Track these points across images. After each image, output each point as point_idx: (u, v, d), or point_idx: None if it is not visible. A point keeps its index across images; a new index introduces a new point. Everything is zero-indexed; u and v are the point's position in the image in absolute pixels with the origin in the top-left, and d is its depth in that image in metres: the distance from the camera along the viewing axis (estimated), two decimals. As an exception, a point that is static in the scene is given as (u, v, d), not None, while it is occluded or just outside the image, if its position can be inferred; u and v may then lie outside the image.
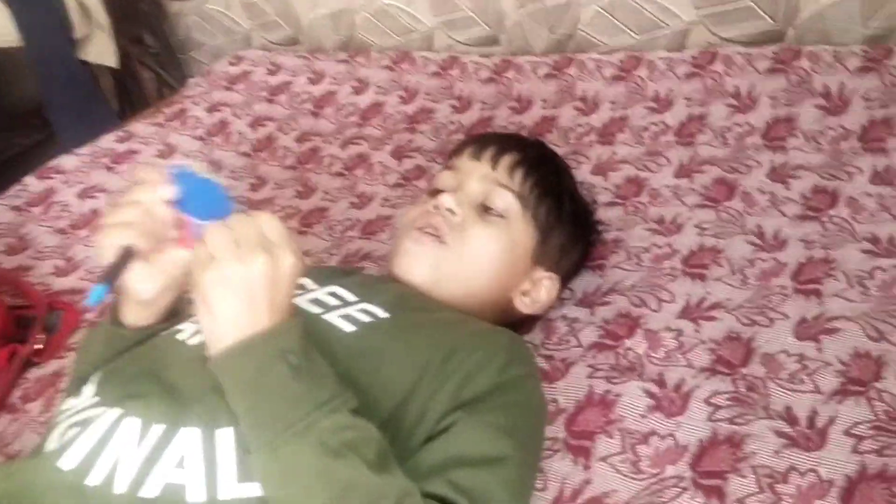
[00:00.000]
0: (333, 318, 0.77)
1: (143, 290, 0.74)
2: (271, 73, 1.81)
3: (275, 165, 1.50)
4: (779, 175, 1.15)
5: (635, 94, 1.40)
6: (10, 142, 1.91)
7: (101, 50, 1.86)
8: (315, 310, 0.78)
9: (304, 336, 0.66)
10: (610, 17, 1.58)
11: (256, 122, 1.64)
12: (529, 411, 0.75)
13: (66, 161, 1.58)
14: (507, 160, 0.93)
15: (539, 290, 0.94)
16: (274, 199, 1.39)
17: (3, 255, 1.32)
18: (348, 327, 0.76)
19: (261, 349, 0.63)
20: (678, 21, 1.52)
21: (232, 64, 1.88)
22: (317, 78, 1.74)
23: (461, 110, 1.53)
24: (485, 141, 0.97)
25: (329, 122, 1.60)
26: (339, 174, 1.43)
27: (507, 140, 0.99)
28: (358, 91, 1.67)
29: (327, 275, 0.87)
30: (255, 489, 0.63)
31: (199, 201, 0.70)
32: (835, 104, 1.23)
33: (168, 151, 1.58)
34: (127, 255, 0.69)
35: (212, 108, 1.71)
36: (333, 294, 0.81)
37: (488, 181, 0.92)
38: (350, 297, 0.81)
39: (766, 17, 1.43)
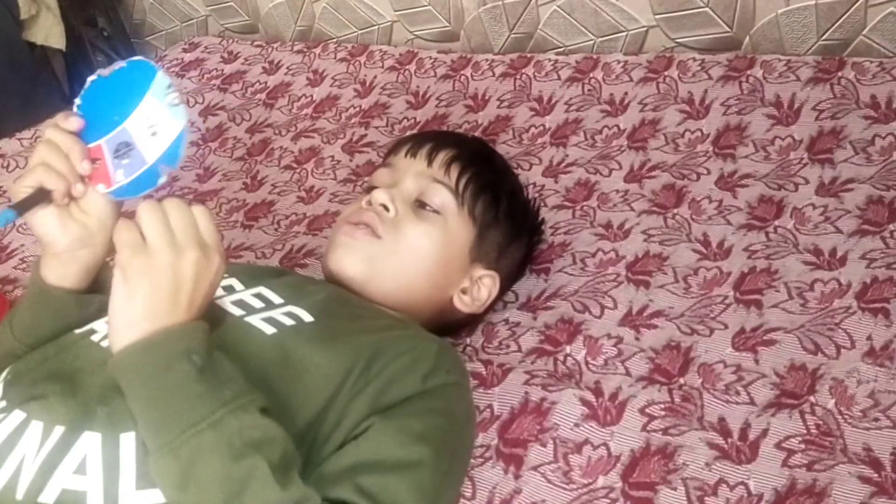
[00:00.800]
0: (255, 320, 0.74)
1: (55, 238, 0.71)
2: (226, 61, 1.77)
3: (224, 156, 1.47)
4: (727, 183, 1.15)
5: (590, 96, 1.39)
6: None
7: (47, 31, 1.81)
8: (237, 312, 0.76)
9: (210, 338, 0.64)
10: (569, 17, 1.57)
11: (207, 111, 1.61)
12: (450, 419, 0.74)
13: (7, 145, 1.53)
14: (442, 156, 0.92)
15: (479, 289, 0.93)
16: (220, 191, 1.36)
17: (-66, 241, 1.27)
18: (269, 330, 0.73)
19: (164, 346, 0.61)
20: (636, 24, 1.51)
21: (186, 50, 1.84)
22: (272, 68, 1.71)
23: (417, 106, 1.51)
24: (422, 138, 0.95)
25: (282, 114, 1.57)
26: (289, 167, 1.40)
27: (444, 137, 0.98)
28: (313, 83, 1.64)
29: (256, 275, 0.84)
30: (153, 497, 0.61)
31: (109, 107, 0.68)
32: (785, 114, 1.23)
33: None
34: (41, 193, 0.67)
35: (162, 95, 1.67)
36: (259, 296, 0.79)
37: (424, 177, 0.91)
38: (276, 299, 0.79)
39: (723, 23, 1.44)
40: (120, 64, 0.71)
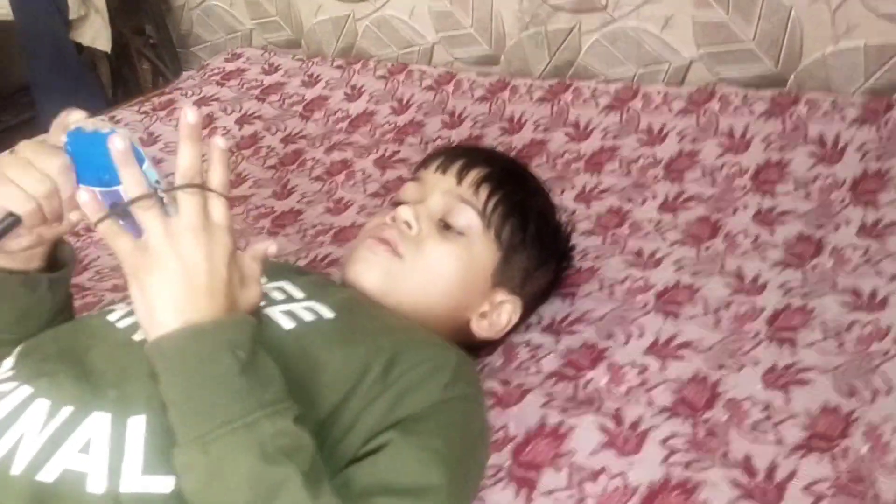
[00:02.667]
0: (274, 312, 0.73)
1: (8, 245, 0.69)
2: (266, 72, 1.78)
3: (256, 164, 1.47)
4: (765, 219, 1.11)
5: (628, 125, 1.37)
6: (-3, 118, 1.88)
7: (95, 33, 1.84)
8: None
9: (256, 336, 0.62)
10: (610, 47, 1.56)
11: (244, 120, 1.61)
12: (468, 435, 0.71)
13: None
14: (473, 175, 0.89)
15: (499, 314, 0.89)
16: (250, 198, 1.36)
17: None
18: (288, 324, 0.72)
19: (209, 337, 0.59)
20: (679, 57, 1.50)
21: (228, 60, 1.86)
22: (311, 81, 1.72)
23: (452, 126, 1.50)
24: (453, 154, 0.92)
25: (317, 126, 1.57)
26: (320, 178, 1.40)
27: (477, 154, 0.94)
28: (350, 98, 1.64)
29: (279, 270, 0.83)
30: (159, 483, 0.59)
31: (98, 164, 0.62)
32: (829, 153, 1.20)
33: (149, 140, 1.55)
34: (13, 223, 0.64)
35: (200, 102, 1.69)
36: (281, 289, 0.78)
37: (451, 196, 0.88)
38: (297, 293, 0.77)
39: (768, 61, 1.41)
40: (103, 125, 0.65)
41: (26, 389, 0.64)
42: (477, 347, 0.92)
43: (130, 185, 0.60)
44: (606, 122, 1.40)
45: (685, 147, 1.29)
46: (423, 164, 0.95)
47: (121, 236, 0.61)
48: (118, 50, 2.07)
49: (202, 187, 0.61)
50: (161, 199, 0.60)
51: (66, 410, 0.62)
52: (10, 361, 0.70)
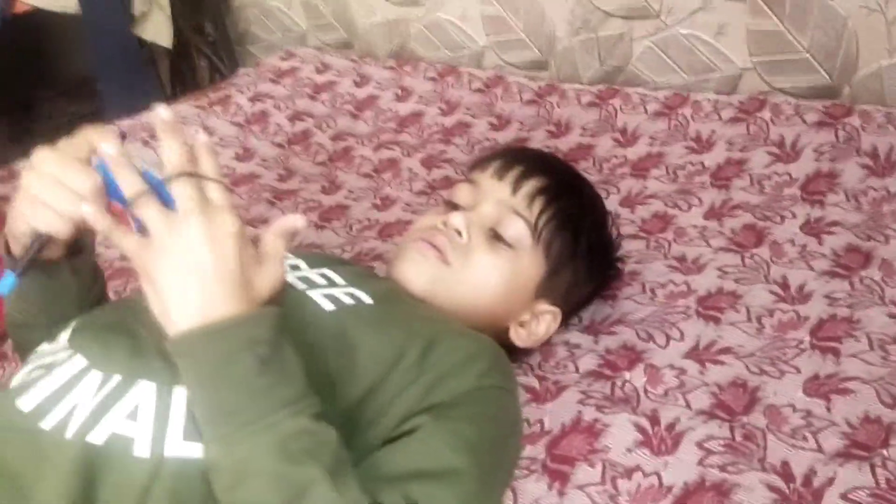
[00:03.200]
0: (316, 295, 0.75)
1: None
2: (319, 71, 1.82)
3: (306, 160, 1.50)
4: (813, 229, 1.10)
5: (676, 131, 1.37)
6: (62, 109, 1.94)
7: (157, 29, 1.89)
8: (300, 286, 0.76)
9: (278, 328, 0.61)
10: (662, 54, 1.55)
11: (295, 117, 1.65)
12: (500, 426, 0.72)
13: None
14: (529, 186, 0.88)
15: (538, 324, 0.89)
16: (299, 192, 1.38)
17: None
18: (328, 306, 0.74)
19: (227, 337, 0.58)
20: (731, 66, 1.49)
21: (283, 59, 1.90)
22: (362, 81, 1.75)
23: (499, 128, 1.51)
24: (511, 159, 0.90)
25: (366, 125, 1.60)
26: (367, 175, 1.42)
27: (535, 162, 0.92)
28: (400, 98, 1.66)
29: (322, 260, 0.85)
30: (199, 449, 0.61)
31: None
32: (881, 165, 1.18)
33: (204, 133, 1.59)
34: (42, 243, 0.64)
35: (255, 98, 1.73)
36: (323, 275, 0.79)
37: (504, 207, 0.87)
38: (339, 280, 0.79)
39: (823, 71, 1.39)
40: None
41: (81, 360, 0.67)
42: (511, 352, 0.92)
43: (124, 185, 0.60)
44: (654, 128, 1.40)
45: (734, 155, 1.28)
46: (479, 165, 0.94)
47: (127, 236, 0.60)
48: (177, 47, 2.13)
49: (193, 174, 0.60)
50: (163, 198, 0.60)
51: (116, 379, 0.65)
52: (66, 334, 0.73)
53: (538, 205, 0.87)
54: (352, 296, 0.77)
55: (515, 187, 0.88)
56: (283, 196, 1.37)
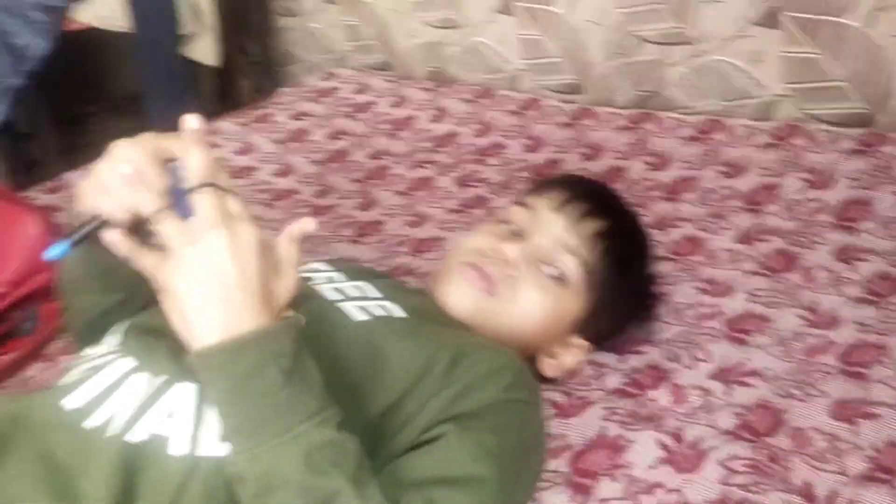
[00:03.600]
0: (348, 306, 0.77)
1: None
2: (358, 91, 1.86)
3: (343, 177, 1.53)
4: (844, 255, 1.10)
5: (709, 156, 1.38)
6: (109, 124, 2.01)
7: (204, 50, 1.95)
8: (334, 297, 0.79)
9: (298, 339, 0.61)
10: (696, 80, 1.57)
11: (334, 135, 1.69)
12: (523, 438, 0.73)
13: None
14: (589, 227, 0.87)
15: (567, 356, 0.90)
16: (335, 208, 1.42)
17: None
18: (360, 316, 0.76)
19: (251, 351, 0.59)
20: (765, 92, 1.49)
21: (324, 79, 1.95)
22: (400, 102, 1.78)
23: (533, 149, 1.53)
24: (573, 193, 0.89)
25: (403, 145, 1.63)
26: (402, 193, 1.45)
27: (597, 201, 0.90)
28: (436, 119, 1.70)
29: (359, 272, 0.88)
30: None
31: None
32: (916, 193, 1.18)
33: (246, 149, 1.64)
34: (100, 224, 0.64)
35: (295, 116, 1.77)
36: (358, 287, 0.82)
37: (560, 244, 0.86)
38: (373, 293, 0.81)
39: (857, 99, 1.40)
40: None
41: (131, 362, 0.70)
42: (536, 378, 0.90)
43: (142, 204, 0.61)
44: (687, 152, 1.41)
45: (766, 180, 1.29)
46: (539, 191, 0.92)
47: (144, 254, 0.61)
48: (222, 66, 2.19)
49: (215, 185, 0.61)
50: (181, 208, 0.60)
51: (159, 380, 0.68)
52: (113, 338, 0.76)
53: (594, 247, 0.86)
54: (384, 308, 0.79)
55: (575, 225, 0.87)
56: (320, 212, 1.40)
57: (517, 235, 0.88)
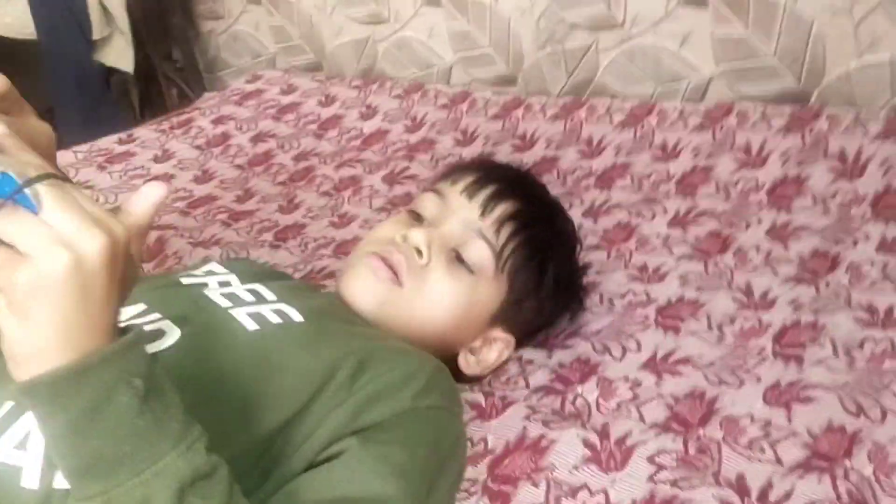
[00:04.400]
0: (240, 314, 0.70)
1: None
2: (284, 93, 1.79)
3: (266, 180, 1.46)
4: (779, 234, 1.06)
5: (642, 141, 1.33)
6: (25, 139, 1.91)
7: (118, 54, 1.87)
8: (224, 303, 0.71)
9: (146, 353, 0.49)
10: (629, 65, 1.53)
11: (258, 138, 1.61)
12: (437, 449, 0.67)
13: (62, 157, 1.56)
14: (500, 210, 0.82)
15: (489, 351, 0.84)
16: (255, 212, 1.34)
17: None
18: (251, 326, 0.69)
19: (98, 376, 0.46)
20: (697, 74, 1.46)
21: (249, 82, 1.87)
22: (327, 101, 1.72)
23: (464, 143, 1.48)
24: (484, 178, 0.84)
25: (330, 145, 1.56)
26: (327, 194, 1.38)
27: (509, 184, 0.85)
28: (365, 117, 1.63)
29: (256, 274, 0.81)
30: None
31: None
32: (850, 168, 1.15)
33: (164, 156, 1.56)
34: None
35: (217, 121, 1.69)
36: (252, 291, 0.75)
37: (471, 229, 0.81)
38: (269, 296, 0.74)
39: (790, 77, 1.36)
40: None
41: None
42: (460, 379, 0.84)
43: None
44: (620, 138, 1.36)
45: (700, 163, 1.25)
46: (450, 176, 0.88)
47: None
48: (147, 74, 2.11)
49: (60, 177, 0.46)
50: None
51: (7, 405, 0.60)
52: None
53: (507, 231, 0.82)
54: (280, 313, 0.72)
55: (485, 209, 0.82)
56: (239, 216, 1.33)
57: (427, 222, 0.83)
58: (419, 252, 0.79)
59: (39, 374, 0.45)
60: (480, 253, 0.81)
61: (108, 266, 0.45)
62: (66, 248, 0.44)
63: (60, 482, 0.57)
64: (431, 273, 0.79)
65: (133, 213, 0.48)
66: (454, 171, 0.89)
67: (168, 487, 0.47)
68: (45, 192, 0.44)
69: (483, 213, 0.82)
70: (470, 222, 0.82)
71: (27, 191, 0.45)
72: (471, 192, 0.84)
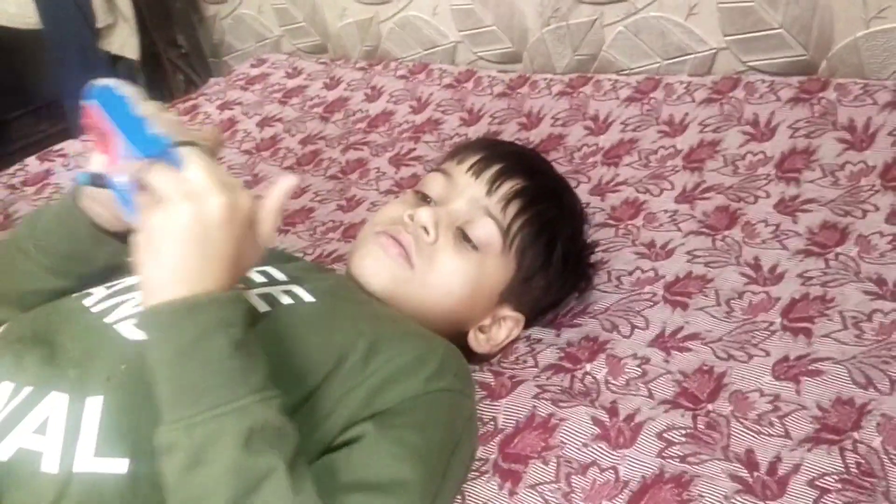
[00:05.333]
0: (250, 295, 0.71)
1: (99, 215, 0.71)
2: (290, 76, 1.79)
3: (273, 165, 1.46)
4: (787, 208, 1.06)
5: (649, 116, 1.33)
6: (34, 128, 1.92)
7: (123, 41, 1.87)
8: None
9: (249, 312, 0.59)
10: (634, 39, 1.51)
11: (264, 122, 1.62)
12: (450, 431, 0.68)
13: (71, 146, 1.57)
14: (506, 187, 0.83)
15: (499, 329, 0.85)
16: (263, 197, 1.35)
17: (-15, 230, 1.31)
18: (262, 307, 0.70)
19: (204, 314, 0.55)
20: (704, 46, 1.44)
21: (254, 66, 1.87)
22: (332, 83, 1.72)
23: (470, 123, 1.47)
24: (491, 156, 0.85)
25: (336, 127, 1.56)
26: (334, 177, 1.38)
27: (515, 161, 0.86)
28: (370, 98, 1.63)
29: (265, 256, 0.82)
30: (112, 465, 0.58)
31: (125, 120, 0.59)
32: (859, 138, 1.14)
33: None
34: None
35: (223, 106, 1.70)
36: (264, 272, 0.76)
37: (477, 207, 0.82)
38: (280, 277, 0.75)
39: (798, 47, 1.35)
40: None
41: None
42: (470, 357, 0.85)
43: (146, 142, 0.57)
44: (627, 114, 1.35)
45: (707, 137, 1.24)
46: (456, 156, 0.88)
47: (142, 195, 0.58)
48: (153, 61, 2.10)
49: (195, 145, 0.58)
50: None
51: (27, 391, 0.62)
52: None
53: (513, 208, 0.82)
54: (290, 294, 0.73)
55: (491, 187, 0.83)
56: (248, 202, 1.34)
57: (434, 202, 0.84)
58: (426, 231, 0.80)
59: (158, 303, 0.55)
60: (487, 230, 0.82)
61: (225, 224, 0.56)
62: (193, 201, 0.55)
63: (80, 466, 0.58)
64: (439, 251, 0.80)
65: (268, 196, 0.60)
66: (460, 150, 0.89)
67: (239, 425, 0.54)
68: (188, 154, 0.57)
69: (489, 191, 0.83)
70: (476, 200, 0.83)
71: (175, 151, 0.57)
72: (477, 170, 0.84)
